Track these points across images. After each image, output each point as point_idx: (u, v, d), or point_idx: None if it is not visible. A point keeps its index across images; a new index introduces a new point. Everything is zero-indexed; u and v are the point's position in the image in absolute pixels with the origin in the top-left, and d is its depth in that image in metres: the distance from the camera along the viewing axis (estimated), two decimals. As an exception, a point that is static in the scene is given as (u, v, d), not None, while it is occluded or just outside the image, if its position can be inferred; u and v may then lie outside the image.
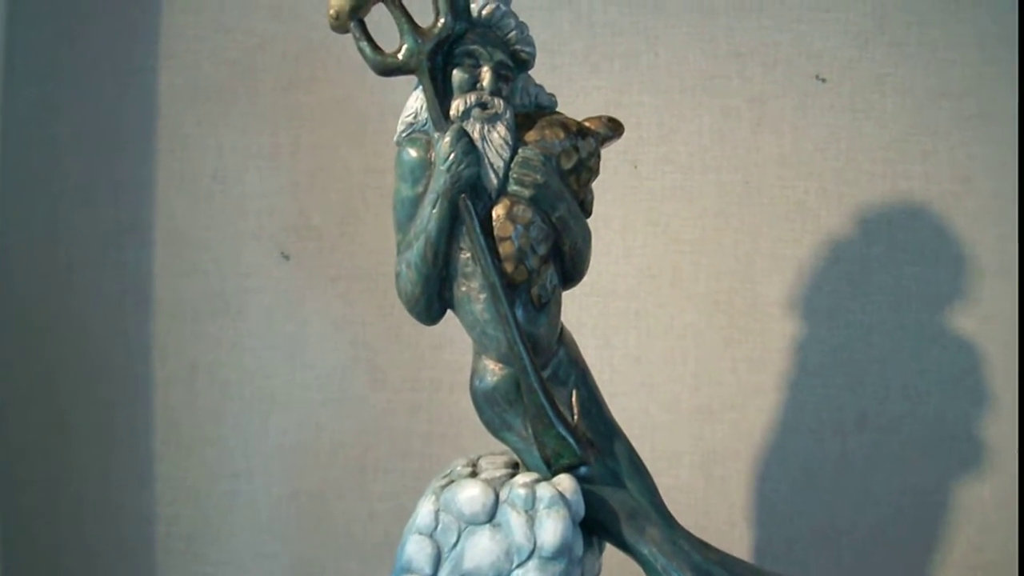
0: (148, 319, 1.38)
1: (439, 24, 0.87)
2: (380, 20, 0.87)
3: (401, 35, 0.87)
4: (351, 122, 1.34)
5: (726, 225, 1.34)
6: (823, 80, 1.31)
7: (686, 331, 1.34)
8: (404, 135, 0.89)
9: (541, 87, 0.92)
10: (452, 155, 0.85)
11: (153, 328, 1.38)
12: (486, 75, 0.87)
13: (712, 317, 1.34)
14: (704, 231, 1.34)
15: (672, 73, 1.33)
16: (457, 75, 0.88)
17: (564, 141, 0.90)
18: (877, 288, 1.30)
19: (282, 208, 1.36)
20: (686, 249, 1.34)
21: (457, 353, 0.88)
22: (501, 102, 0.87)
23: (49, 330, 1.34)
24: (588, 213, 0.92)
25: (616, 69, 1.34)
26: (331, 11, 0.86)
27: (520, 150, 0.87)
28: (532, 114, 0.90)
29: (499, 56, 0.88)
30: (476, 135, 0.86)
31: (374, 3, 0.87)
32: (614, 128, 0.94)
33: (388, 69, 0.88)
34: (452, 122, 0.86)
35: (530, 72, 0.91)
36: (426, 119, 0.88)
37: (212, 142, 1.37)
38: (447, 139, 0.86)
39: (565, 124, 0.90)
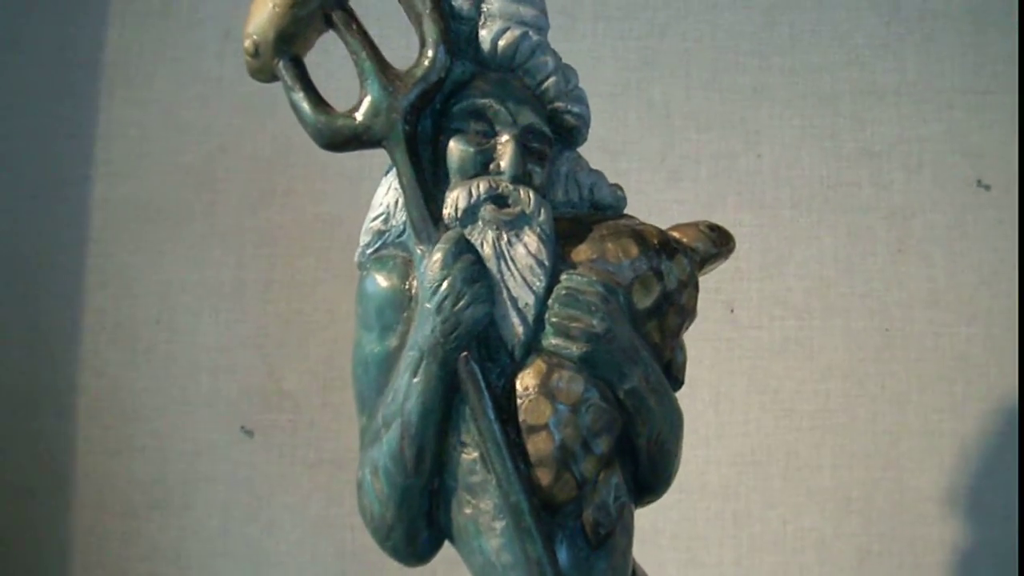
0: (65, 511, 1.16)
1: (426, 62, 0.61)
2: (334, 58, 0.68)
3: (362, 81, 0.61)
4: (339, 250, 1.14)
5: (860, 390, 1.12)
6: (986, 187, 1.12)
7: (805, 540, 1.11)
8: (368, 252, 0.64)
9: (600, 174, 0.66)
10: (446, 284, 0.59)
11: (72, 523, 1.16)
12: (506, 149, 0.61)
13: (842, 520, 1.11)
14: (828, 400, 1.11)
15: (780, 180, 1.13)
16: (457, 149, 0.62)
17: (639, 261, 0.63)
18: (1069, 473, 1.06)
19: (246, 366, 1.16)
20: (804, 425, 1.12)
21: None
22: (531, 195, 0.61)
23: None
24: (678, 382, 0.67)
25: (703, 176, 1.14)
26: (247, 42, 0.61)
27: (564, 276, 0.61)
28: (583, 218, 0.65)
29: (527, 118, 0.62)
30: (488, 250, 0.60)
31: (318, 31, 0.63)
32: (719, 241, 0.68)
33: (339, 137, 0.61)
34: (446, 228, 0.61)
35: (579, 150, 0.67)
36: (404, 224, 0.63)
37: (156, 276, 1.18)
38: (437, 257, 0.60)
39: (641, 235, 0.64)
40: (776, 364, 1.14)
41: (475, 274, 0.59)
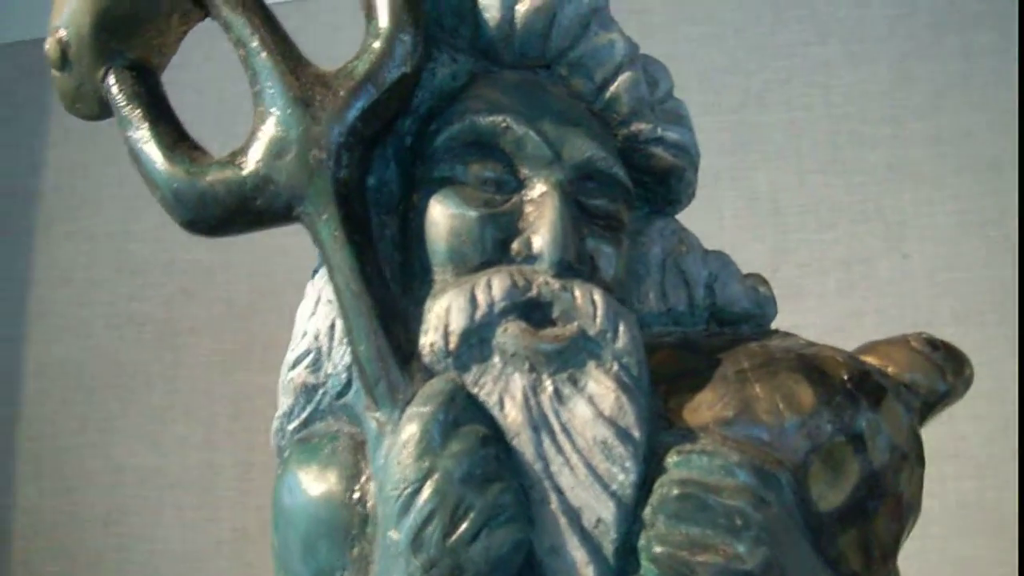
0: None
1: (375, 46, 0.35)
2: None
3: (257, 94, 0.36)
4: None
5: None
6: None
7: None
8: (292, 427, 0.38)
9: (724, 259, 0.41)
10: (427, 491, 0.32)
11: None
12: (544, 210, 0.35)
13: None
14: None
15: (938, 288, 0.92)
16: (445, 215, 0.36)
17: (817, 418, 0.35)
18: None
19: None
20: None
21: None
22: (596, 299, 0.35)
23: None
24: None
25: (831, 288, 0.92)
26: (48, 43, 0.38)
27: (674, 458, 0.33)
28: (700, 342, 0.38)
29: (582, 149, 0.36)
30: (515, 414, 0.33)
31: (183, 15, 0.38)
32: (950, 367, 0.41)
33: (212, 204, 0.36)
34: (427, 373, 0.34)
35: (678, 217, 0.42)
36: (348, 369, 0.36)
37: (103, 462, 1.00)
38: (409, 434, 0.33)
39: (816, 366, 0.37)
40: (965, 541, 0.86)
41: (488, 465, 0.33)
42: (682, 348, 0.37)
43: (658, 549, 0.32)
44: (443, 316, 0.34)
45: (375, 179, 0.36)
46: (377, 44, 0.35)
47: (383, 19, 0.35)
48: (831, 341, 0.89)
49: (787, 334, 0.39)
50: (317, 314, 0.36)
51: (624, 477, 0.32)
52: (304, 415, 0.37)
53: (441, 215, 0.35)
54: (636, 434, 0.33)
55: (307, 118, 0.34)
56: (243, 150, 0.35)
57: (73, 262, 1.04)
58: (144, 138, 0.36)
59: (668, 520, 0.32)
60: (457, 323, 0.33)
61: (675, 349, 0.36)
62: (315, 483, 0.36)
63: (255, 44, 0.35)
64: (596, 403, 0.33)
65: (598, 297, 0.34)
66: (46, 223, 1.04)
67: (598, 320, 0.33)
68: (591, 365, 0.33)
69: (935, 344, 0.40)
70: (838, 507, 0.34)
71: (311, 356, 0.36)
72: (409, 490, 0.32)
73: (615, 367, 0.33)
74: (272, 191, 0.35)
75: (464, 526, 0.32)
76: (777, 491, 0.33)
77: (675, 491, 0.32)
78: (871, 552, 0.35)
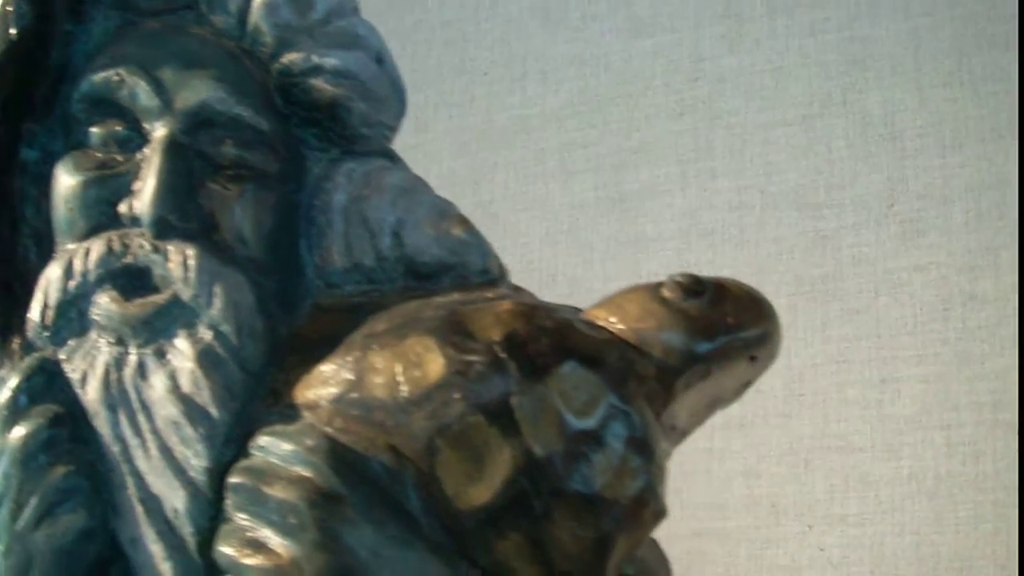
0: None
1: None
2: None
3: None
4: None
5: None
6: None
7: None
8: None
9: (419, 197, 0.34)
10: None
11: None
12: (148, 169, 0.31)
13: None
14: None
15: None
16: (62, 183, 0.32)
17: (445, 391, 0.28)
18: None
19: None
20: None
21: None
22: (190, 260, 0.30)
23: None
24: None
25: (956, 222, 0.82)
26: None
27: (255, 444, 0.29)
28: (386, 299, 0.32)
29: (197, 92, 0.32)
30: (94, 394, 0.30)
31: None
32: (715, 317, 0.31)
33: None
34: (30, 349, 0.31)
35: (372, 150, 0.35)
36: None
37: None
38: None
39: (459, 323, 0.29)
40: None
41: (55, 448, 0.29)
42: (352, 310, 0.30)
43: (222, 547, 0.27)
44: (44, 288, 0.31)
45: (38, 152, 0.33)
46: None
47: None
48: (960, 284, 0.76)
49: (495, 284, 0.31)
50: None
51: (197, 462, 0.28)
52: None
53: (59, 183, 0.32)
54: (213, 412, 0.28)
55: None
56: None
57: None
58: None
59: (236, 514, 0.27)
60: (53, 295, 0.30)
61: (345, 312, 0.30)
62: None
63: None
64: (176, 378, 0.29)
65: (192, 257, 0.30)
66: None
67: (190, 284, 0.29)
68: (181, 335, 0.29)
69: (696, 288, 0.31)
70: (485, 505, 0.27)
71: None
72: None
73: (208, 336, 0.29)
74: None
75: (27, 512, 0.29)
76: (374, 484, 0.27)
77: (233, 479, 0.27)
78: (551, 564, 0.28)
